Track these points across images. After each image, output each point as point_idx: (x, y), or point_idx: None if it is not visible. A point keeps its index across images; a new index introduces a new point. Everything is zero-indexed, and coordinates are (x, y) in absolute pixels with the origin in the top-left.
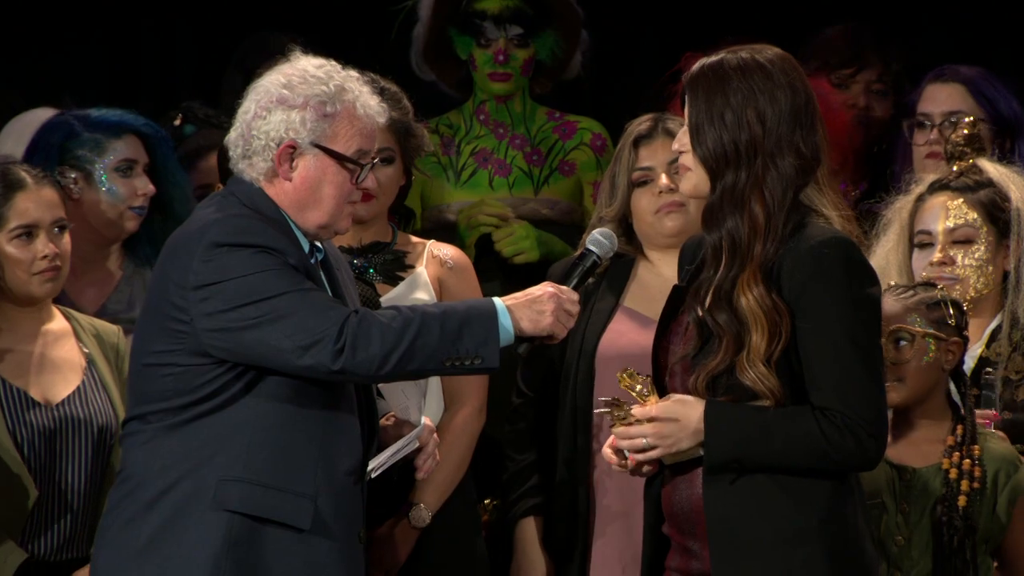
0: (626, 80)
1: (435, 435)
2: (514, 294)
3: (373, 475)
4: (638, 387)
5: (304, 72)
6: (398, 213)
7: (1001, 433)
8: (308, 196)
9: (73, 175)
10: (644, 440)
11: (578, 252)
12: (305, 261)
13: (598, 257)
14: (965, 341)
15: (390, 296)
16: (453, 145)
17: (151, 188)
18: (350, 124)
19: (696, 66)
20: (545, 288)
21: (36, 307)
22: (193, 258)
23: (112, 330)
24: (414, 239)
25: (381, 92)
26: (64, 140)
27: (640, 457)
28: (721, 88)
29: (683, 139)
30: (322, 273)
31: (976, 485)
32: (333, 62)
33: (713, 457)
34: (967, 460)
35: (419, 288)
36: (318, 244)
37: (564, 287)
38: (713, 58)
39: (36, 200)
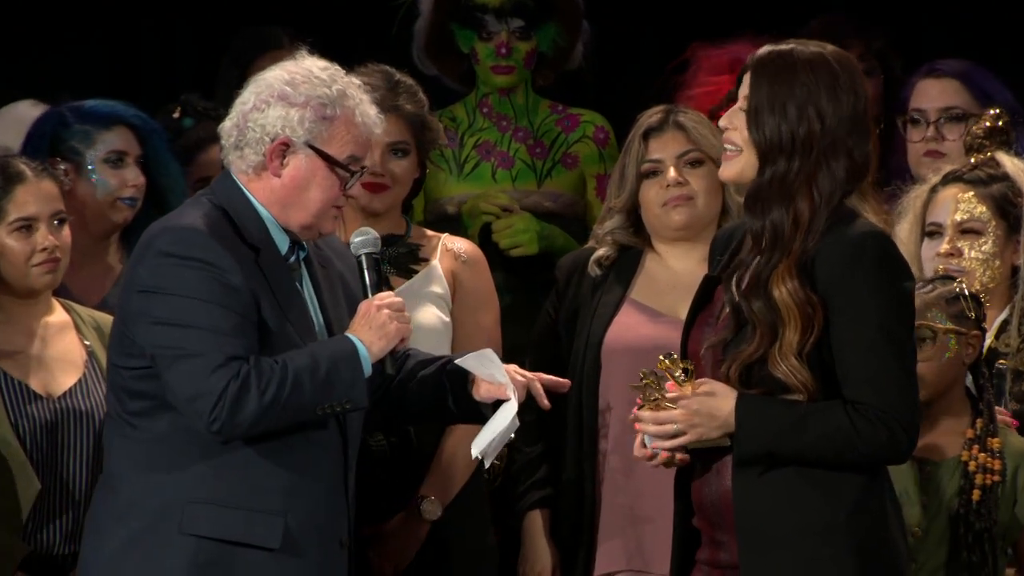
0: (629, 73)
1: (522, 379)
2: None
3: (486, 463)
4: (677, 373)
5: (308, 72)
6: None
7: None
8: (294, 196)
9: (63, 166)
10: (675, 426)
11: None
12: (262, 273)
13: (372, 251)
14: (984, 333)
15: (404, 289)
16: (456, 138)
17: (141, 179)
18: (347, 130)
19: (764, 50)
20: (364, 306)
21: (36, 300)
22: (142, 261)
23: None
24: (428, 232)
25: (396, 85)
26: (55, 130)
27: (667, 444)
28: (787, 78)
29: (734, 119)
30: (304, 271)
31: (996, 479)
32: (337, 66)
33: (743, 451)
34: (983, 454)
35: (433, 282)
36: (303, 242)
37: (375, 296)
38: (783, 46)
39: (35, 193)
